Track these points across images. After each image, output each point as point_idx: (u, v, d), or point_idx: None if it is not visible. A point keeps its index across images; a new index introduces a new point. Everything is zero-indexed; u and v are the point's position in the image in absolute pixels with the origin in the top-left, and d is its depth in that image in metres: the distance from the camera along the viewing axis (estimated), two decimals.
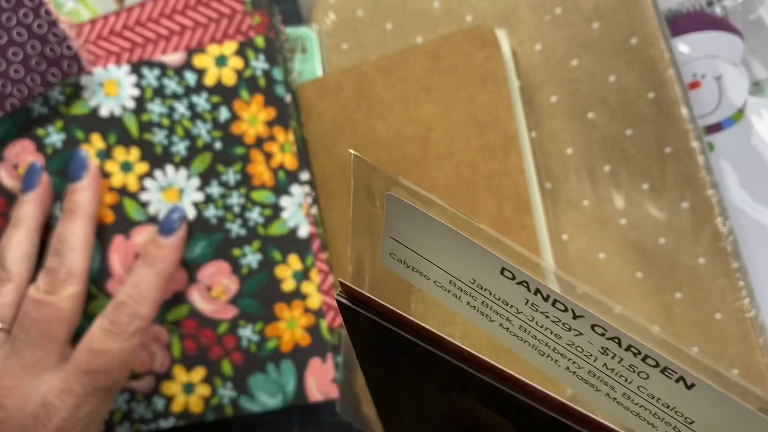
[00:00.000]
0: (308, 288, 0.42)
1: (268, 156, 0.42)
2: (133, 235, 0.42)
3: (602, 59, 0.38)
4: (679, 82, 0.37)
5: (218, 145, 0.42)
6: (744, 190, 0.40)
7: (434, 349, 0.22)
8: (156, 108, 0.42)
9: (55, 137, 0.42)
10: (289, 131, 0.42)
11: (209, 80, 0.42)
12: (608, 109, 0.38)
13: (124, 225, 0.42)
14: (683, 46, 0.41)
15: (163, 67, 0.42)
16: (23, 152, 0.42)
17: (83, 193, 0.40)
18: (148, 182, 0.42)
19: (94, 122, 0.42)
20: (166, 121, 0.42)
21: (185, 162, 0.42)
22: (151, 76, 0.42)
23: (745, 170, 0.40)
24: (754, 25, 0.41)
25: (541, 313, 0.23)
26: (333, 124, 0.43)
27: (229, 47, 0.42)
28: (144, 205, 0.42)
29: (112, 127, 0.42)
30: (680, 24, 0.41)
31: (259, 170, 0.42)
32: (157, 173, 0.42)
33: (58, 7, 0.42)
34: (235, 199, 0.42)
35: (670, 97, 0.37)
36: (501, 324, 0.25)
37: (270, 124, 0.42)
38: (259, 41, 0.41)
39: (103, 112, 0.42)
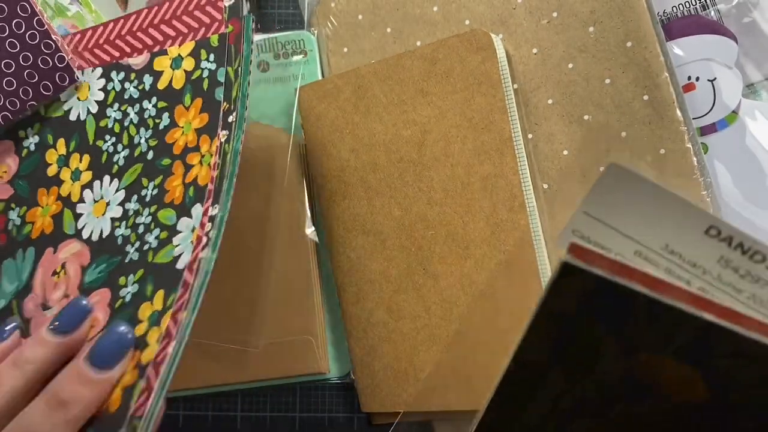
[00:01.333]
0: (152, 336, 0.34)
1: (188, 168, 0.39)
2: (60, 250, 0.40)
3: (598, 62, 0.39)
4: (673, 84, 0.38)
5: (150, 155, 0.40)
6: (737, 190, 0.41)
7: (668, 298, 0.25)
8: (113, 113, 0.41)
9: (31, 139, 0.42)
10: (214, 141, 0.38)
11: (162, 83, 0.40)
12: (603, 111, 0.39)
13: (57, 238, 0.40)
14: (678, 49, 0.41)
15: (128, 70, 0.41)
16: (2, 154, 0.42)
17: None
18: (87, 193, 0.40)
19: (63, 126, 0.41)
20: (117, 128, 0.40)
21: (119, 173, 0.40)
22: (116, 79, 0.41)
23: (738, 171, 0.41)
24: (747, 29, 0.41)
25: (731, 268, 0.26)
26: (332, 126, 0.43)
27: (187, 47, 0.40)
28: (77, 217, 0.40)
29: (75, 132, 0.41)
30: (675, 27, 0.42)
31: (174, 185, 0.39)
32: (96, 184, 0.40)
33: (62, 12, 0.43)
34: (143, 218, 0.38)
35: (665, 100, 0.38)
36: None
37: (199, 132, 0.39)
38: (214, 39, 0.40)
39: (72, 115, 0.41)
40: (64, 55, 0.40)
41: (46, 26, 0.39)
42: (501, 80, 0.39)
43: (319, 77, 0.46)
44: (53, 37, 0.40)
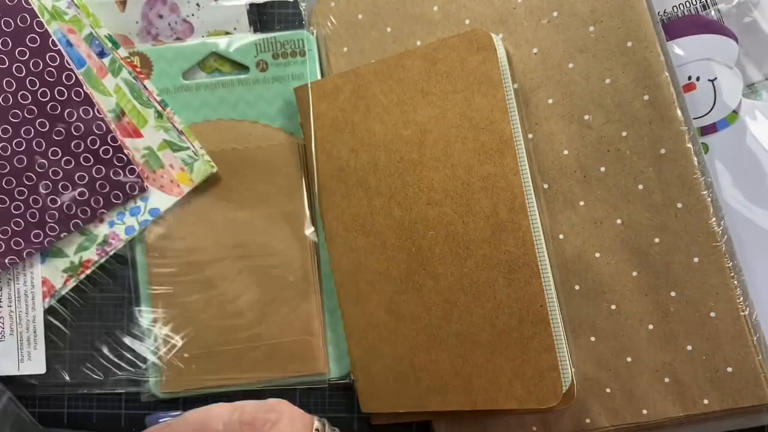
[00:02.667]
0: None
1: None
2: None
3: (598, 62, 0.39)
4: (674, 84, 0.38)
5: None
6: (738, 190, 0.41)
7: None
8: None
9: None
10: None
11: None
12: (604, 111, 0.39)
13: None
14: (678, 48, 0.41)
15: None
16: None
17: None
18: None
19: None
20: None
21: None
22: None
23: (739, 171, 0.41)
24: (748, 28, 0.41)
25: None
26: (332, 126, 0.43)
27: None
28: None
29: None
30: (675, 27, 0.42)
31: None
32: None
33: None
34: None
35: (665, 99, 0.38)
36: None
37: None
38: None
39: None
40: (135, 167, 0.43)
41: (119, 142, 0.43)
42: (501, 80, 0.39)
43: (319, 77, 0.46)
44: (125, 151, 0.43)
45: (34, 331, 0.46)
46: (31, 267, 0.46)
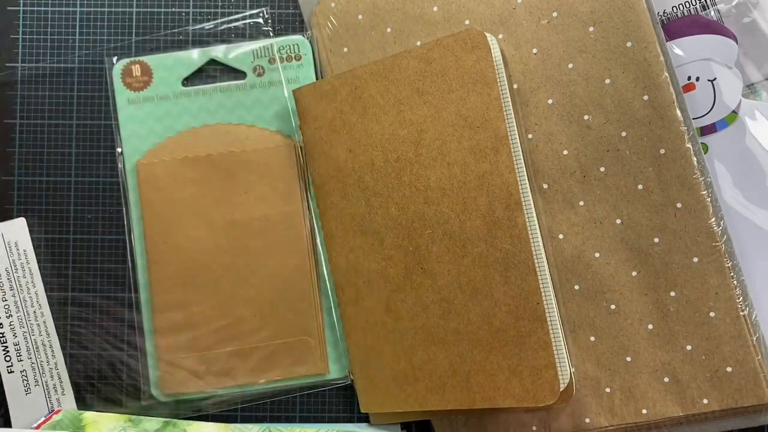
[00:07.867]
0: None
1: None
2: None
3: (598, 62, 0.39)
4: (673, 84, 0.38)
5: None
6: (737, 190, 0.40)
7: None
8: None
9: None
10: None
11: None
12: (603, 111, 0.39)
13: None
14: (678, 49, 0.41)
15: None
16: None
17: None
18: None
19: None
20: None
21: None
22: None
23: (738, 171, 0.41)
24: (747, 29, 0.41)
25: None
26: (329, 127, 0.43)
27: None
28: None
29: None
30: (675, 27, 0.42)
31: None
32: None
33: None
34: None
35: (665, 100, 0.38)
36: None
37: None
38: None
39: None
40: None
41: None
42: (496, 79, 0.39)
43: (314, 80, 0.46)
44: None
45: (59, 378, 0.47)
46: (42, 317, 0.46)
